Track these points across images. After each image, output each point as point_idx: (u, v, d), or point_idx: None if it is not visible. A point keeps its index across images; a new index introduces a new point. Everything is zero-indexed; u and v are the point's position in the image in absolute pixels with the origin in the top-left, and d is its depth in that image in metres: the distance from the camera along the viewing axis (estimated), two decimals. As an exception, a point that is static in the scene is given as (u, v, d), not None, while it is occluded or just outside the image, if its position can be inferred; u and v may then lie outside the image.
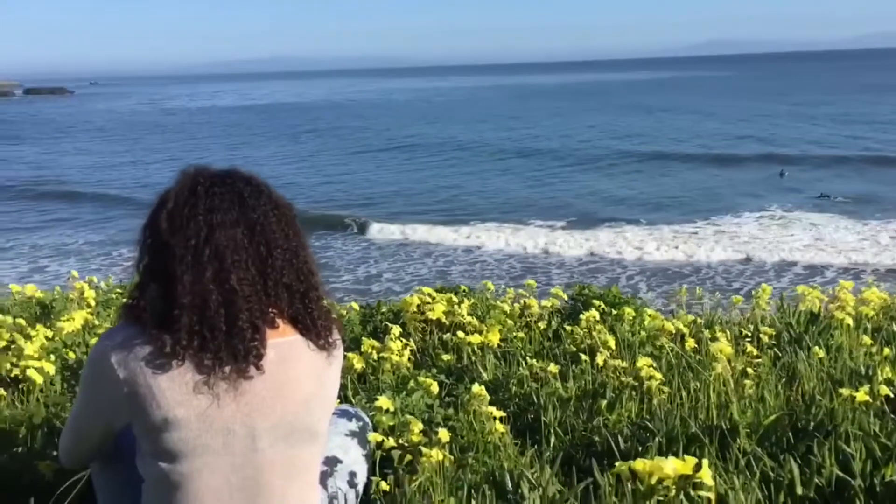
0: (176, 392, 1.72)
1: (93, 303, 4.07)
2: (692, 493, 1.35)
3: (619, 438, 2.17)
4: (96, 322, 3.69)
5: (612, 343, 2.86)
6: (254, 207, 1.85)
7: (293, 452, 1.84)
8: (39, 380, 2.74)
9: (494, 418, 2.25)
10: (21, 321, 3.32)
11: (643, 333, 3.23)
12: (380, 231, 20.29)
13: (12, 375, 2.91)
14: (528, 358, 2.85)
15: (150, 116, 69.63)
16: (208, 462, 1.76)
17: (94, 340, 3.33)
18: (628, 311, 3.45)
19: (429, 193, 25.88)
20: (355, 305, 4.20)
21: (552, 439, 2.31)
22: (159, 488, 1.78)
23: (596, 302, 3.49)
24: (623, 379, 2.52)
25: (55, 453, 2.38)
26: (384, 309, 4.04)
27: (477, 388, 2.30)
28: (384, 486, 2.09)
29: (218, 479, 1.76)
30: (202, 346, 1.73)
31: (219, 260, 1.77)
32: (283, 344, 1.84)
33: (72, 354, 3.30)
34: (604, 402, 2.42)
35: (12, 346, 3.07)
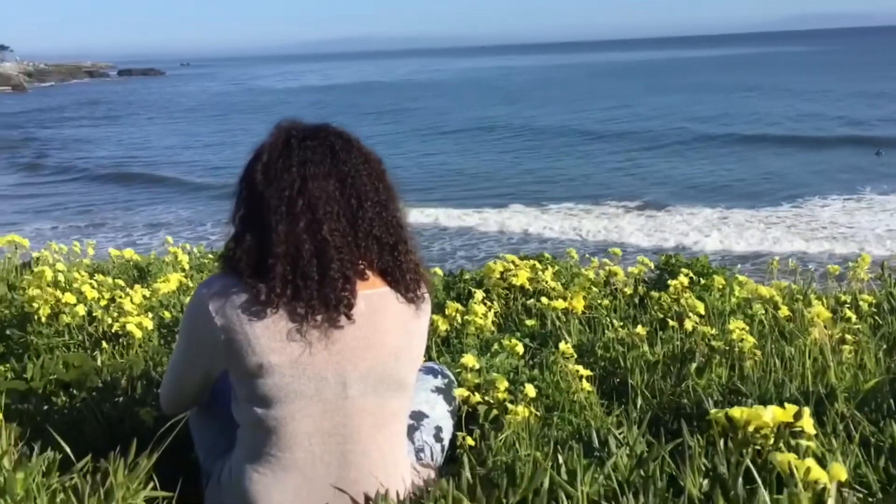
0: (270, 339, 1.77)
1: (186, 266, 4.22)
2: (792, 442, 1.31)
3: (710, 401, 2.12)
4: (190, 284, 3.82)
5: (700, 308, 2.79)
6: (345, 160, 1.88)
7: (382, 401, 1.87)
8: (139, 334, 2.86)
9: (581, 377, 2.23)
10: (120, 282, 3.46)
11: (734, 300, 3.15)
12: (448, 215, 20.14)
13: (113, 331, 3.05)
14: (614, 321, 2.82)
15: (238, 97, 71.37)
16: (301, 407, 1.80)
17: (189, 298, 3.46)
18: (718, 280, 3.37)
19: (504, 175, 25.59)
20: (439, 271, 4.22)
21: (639, 401, 2.28)
22: (254, 432, 1.84)
23: (684, 271, 3.41)
24: (714, 343, 2.46)
25: (154, 403, 2.50)
26: (467, 276, 4.05)
27: (564, 345, 2.28)
28: (469, 441, 2.10)
29: (310, 425, 1.81)
30: (295, 294, 1.78)
31: (311, 211, 1.81)
32: (373, 295, 1.87)
33: (167, 314, 3.43)
34: (693, 366, 2.38)
35: (112, 304, 3.22)
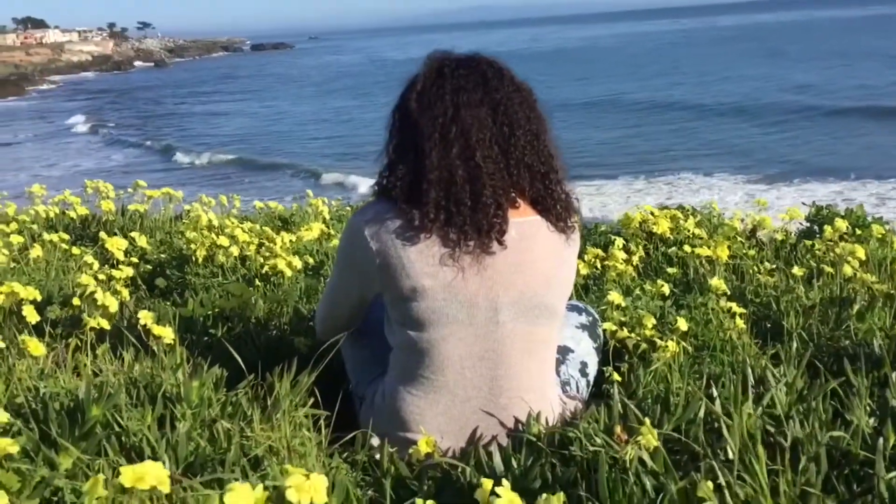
0: (424, 263, 1.81)
1: (327, 217, 4.37)
2: None
3: (875, 343, 2.02)
4: (331, 232, 3.95)
5: (861, 253, 2.64)
6: (497, 88, 1.88)
7: (532, 328, 1.88)
8: (289, 272, 2.99)
9: (733, 314, 2.17)
10: (266, 229, 3.62)
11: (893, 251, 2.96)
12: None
13: (264, 271, 3.20)
14: (763, 264, 2.71)
15: (362, 67, 72.68)
16: (454, 331, 1.84)
17: (334, 241, 3.58)
18: (877, 229, 3.18)
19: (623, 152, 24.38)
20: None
21: (794, 344, 2.19)
22: (407, 355, 1.90)
23: (838, 220, 3.23)
24: (878, 287, 2.33)
25: (306, 334, 2.61)
26: (602, 227, 4.00)
27: (716, 281, 2.22)
28: (616, 376, 2.08)
29: (462, 348, 1.85)
30: (448, 220, 1.81)
31: (464, 137, 1.82)
32: (524, 223, 1.87)
33: (311, 259, 3.56)
34: (854, 309, 2.26)
35: (262, 248, 3.37)
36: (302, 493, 1.07)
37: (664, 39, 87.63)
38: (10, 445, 1.36)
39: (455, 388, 1.86)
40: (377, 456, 1.82)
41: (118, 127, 38.27)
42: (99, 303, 2.40)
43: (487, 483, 1.32)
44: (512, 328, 1.85)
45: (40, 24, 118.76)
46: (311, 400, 1.87)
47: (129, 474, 1.06)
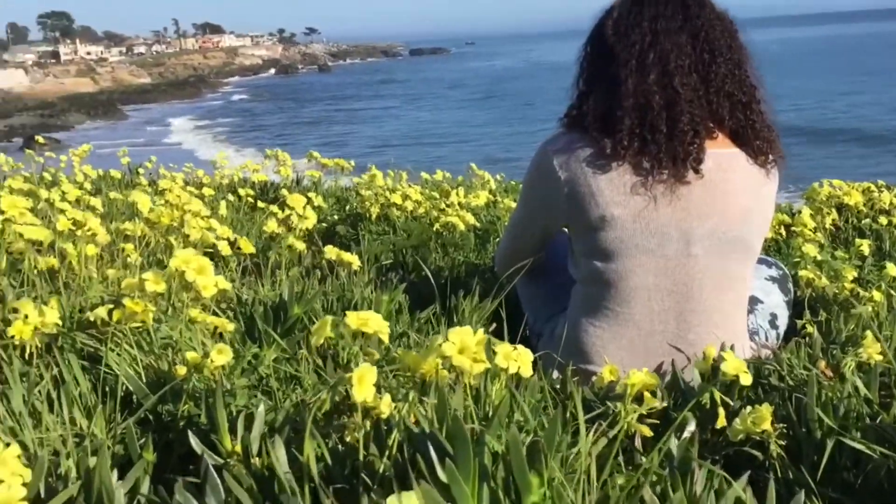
0: (614, 192, 1.78)
1: (493, 186, 4.42)
2: None
3: None
4: (497, 199, 3.98)
5: None
6: (697, 15, 1.82)
7: (726, 264, 1.81)
8: (461, 226, 3.04)
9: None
10: (443, 185, 3.70)
11: None
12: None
13: (435, 229, 3.26)
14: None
15: (520, 72, 72.91)
16: (642, 262, 1.79)
17: (504, 203, 3.59)
18: None
19: None
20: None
21: None
22: (592, 286, 1.87)
23: None
24: None
25: (477, 280, 2.63)
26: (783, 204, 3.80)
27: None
28: (810, 328, 1.96)
29: (650, 280, 1.80)
30: (642, 148, 1.77)
31: (662, 64, 1.78)
32: (722, 154, 1.80)
33: (478, 223, 3.60)
34: None
35: (432, 205, 3.44)
36: (510, 360, 1.08)
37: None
38: (226, 325, 1.45)
39: (641, 320, 1.81)
40: (557, 386, 1.80)
41: (284, 126, 40.30)
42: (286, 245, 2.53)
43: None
44: (705, 262, 1.79)
45: (217, 30, 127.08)
46: (494, 325, 1.89)
47: (354, 319, 1.10)
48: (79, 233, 1.96)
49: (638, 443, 1.18)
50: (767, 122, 1.84)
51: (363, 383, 0.89)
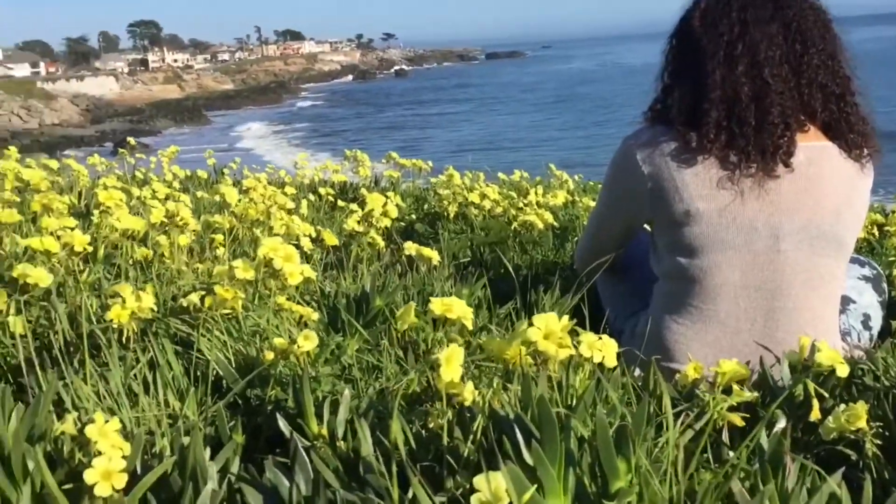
0: (699, 186, 1.74)
1: (571, 186, 4.39)
2: None
3: None
4: (575, 199, 3.95)
5: None
6: (789, 5, 1.77)
7: (817, 260, 1.75)
8: (540, 225, 3.02)
9: None
10: (522, 183, 3.70)
11: None
12: None
13: (513, 228, 3.26)
14: None
15: (595, 75, 72.20)
16: (728, 257, 1.75)
17: (584, 202, 3.57)
18: None
19: None
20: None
21: None
22: (676, 283, 1.83)
23: None
24: None
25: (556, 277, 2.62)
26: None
27: None
28: (908, 330, 1.88)
29: (736, 276, 1.75)
30: (729, 141, 1.72)
31: (752, 54, 1.73)
32: (814, 148, 1.75)
33: (556, 222, 3.58)
34: None
35: (513, 205, 3.45)
36: (594, 349, 1.07)
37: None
38: (311, 314, 1.48)
39: (726, 318, 1.77)
40: (639, 384, 1.77)
41: (361, 130, 40.84)
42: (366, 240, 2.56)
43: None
44: (794, 258, 1.73)
45: (298, 37, 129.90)
46: (574, 321, 1.87)
47: (438, 304, 1.11)
48: (170, 226, 2.04)
49: (725, 437, 1.16)
50: (862, 114, 1.78)
51: (451, 364, 0.90)
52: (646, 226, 2.02)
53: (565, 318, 1.03)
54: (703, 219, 1.75)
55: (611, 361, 1.08)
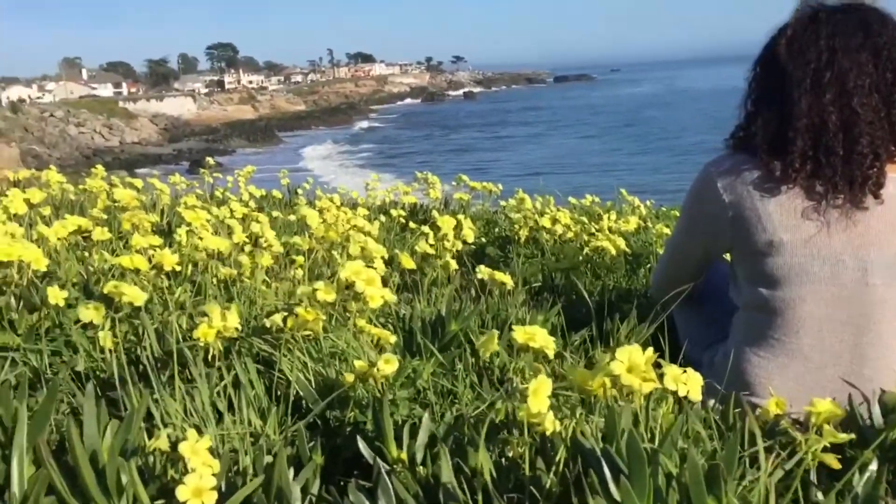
0: (783, 216, 1.70)
1: (643, 212, 4.34)
2: None
3: None
4: (648, 225, 3.90)
5: None
6: (880, 33, 1.73)
7: (908, 294, 1.69)
8: (613, 250, 3.00)
9: None
10: (583, 218, 3.68)
11: None
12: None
13: (585, 253, 3.24)
14: None
15: (663, 99, 71.47)
16: (813, 290, 1.70)
17: (657, 229, 3.52)
18: None
19: None
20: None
21: None
22: (756, 315, 1.79)
23: None
24: None
25: (629, 304, 2.59)
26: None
27: None
28: None
29: (822, 309, 1.70)
30: (815, 171, 1.68)
31: (840, 83, 1.69)
32: (905, 179, 1.69)
33: (627, 248, 3.55)
34: None
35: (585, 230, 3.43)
36: (679, 383, 1.05)
37: None
38: (389, 337, 1.50)
39: (811, 352, 1.72)
40: (717, 417, 1.73)
41: (429, 152, 41.17)
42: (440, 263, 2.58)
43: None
44: (884, 293, 1.68)
45: (369, 59, 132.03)
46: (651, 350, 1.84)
47: (521, 333, 1.11)
48: (248, 247, 2.09)
49: (813, 477, 1.12)
50: None
51: (538, 395, 0.89)
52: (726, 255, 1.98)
53: (649, 350, 1.01)
54: (787, 250, 1.70)
55: (696, 395, 1.06)
